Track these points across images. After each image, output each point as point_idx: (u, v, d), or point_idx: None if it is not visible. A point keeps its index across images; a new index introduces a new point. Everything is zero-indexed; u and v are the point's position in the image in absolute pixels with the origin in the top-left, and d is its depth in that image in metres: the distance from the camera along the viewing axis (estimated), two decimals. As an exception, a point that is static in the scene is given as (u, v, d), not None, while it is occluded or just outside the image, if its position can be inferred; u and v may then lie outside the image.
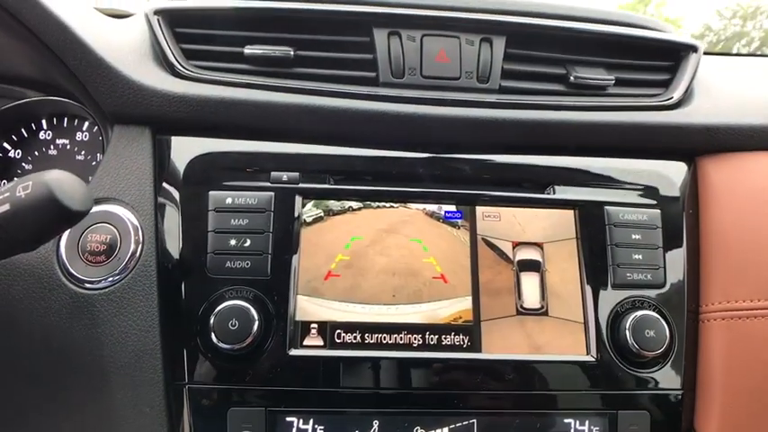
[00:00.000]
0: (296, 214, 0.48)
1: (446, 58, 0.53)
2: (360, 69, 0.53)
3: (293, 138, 0.51)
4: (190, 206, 0.49)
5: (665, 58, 0.57)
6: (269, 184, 0.49)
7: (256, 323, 0.44)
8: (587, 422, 0.46)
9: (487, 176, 0.52)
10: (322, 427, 0.44)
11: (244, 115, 0.50)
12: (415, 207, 0.50)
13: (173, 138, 0.51)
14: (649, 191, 0.52)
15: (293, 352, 0.45)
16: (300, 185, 0.49)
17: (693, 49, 0.57)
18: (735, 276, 0.50)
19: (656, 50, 0.57)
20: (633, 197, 0.52)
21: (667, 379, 0.48)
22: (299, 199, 0.49)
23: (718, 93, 0.58)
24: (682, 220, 0.52)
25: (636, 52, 0.56)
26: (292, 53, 0.52)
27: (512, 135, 0.52)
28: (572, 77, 0.54)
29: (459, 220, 0.50)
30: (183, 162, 0.50)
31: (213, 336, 0.44)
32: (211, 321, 0.44)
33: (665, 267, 0.50)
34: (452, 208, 0.51)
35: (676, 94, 0.55)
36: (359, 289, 0.47)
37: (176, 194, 0.49)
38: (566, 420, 0.46)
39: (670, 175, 0.53)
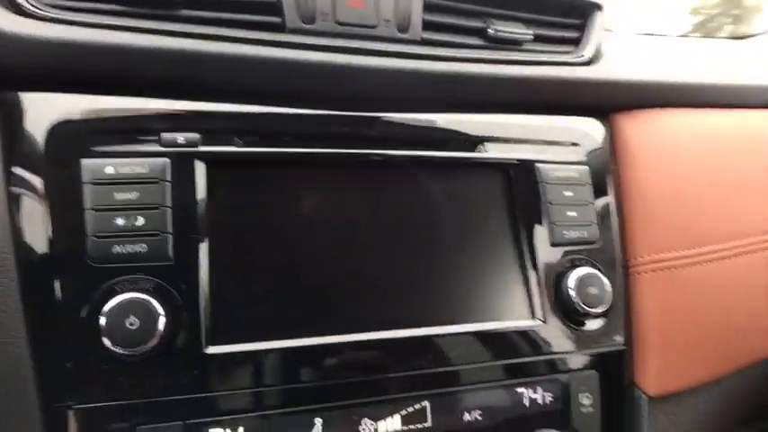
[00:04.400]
0: (200, 184, 0.40)
1: (361, 3, 0.47)
2: (262, 13, 0.45)
3: (186, 93, 0.42)
4: (57, 180, 0.38)
5: (574, 16, 0.56)
6: (161, 149, 0.40)
7: (162, 319, 0.35)
8: (540, 389, 0.44)
9: (412, 136, 0.47)
10: (253, 436, 0.37)
11: (118, 64, 0.40)
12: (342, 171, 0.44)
13: (26, 95, 0.39)
14: (576, 148, 0.51)
15: (211, 349, 0.37)
16: (202, 149, 0.41)
17: (598, 7, 0.57)
18: (657, 229, 0.51)
19: (566, 8, 0.56)
20: (562, 154, 0.50)
21: (610, 336, 0.47)
22: (200, 165, 0.40)
23: (631, 55, 0.59)
24: (607, 176, 0.52)
25: (548, 9, 0.55)
26: None
27: (434, 90, 0.48)
28: (491, 31, 0.51)
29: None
30: (42, 126, 0.38)
31: (106, 340, 0.34)
32: (102, 322, 0.34)
33: (598, 223, 0.49)
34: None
35: (587, 52, 0.54)
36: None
37: (36, 167, 0.38)
38: (518, 390, 0.43)
39: (593, 132, 0.53)
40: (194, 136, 0.41)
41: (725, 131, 0.58)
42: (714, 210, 0.53)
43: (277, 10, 0.45)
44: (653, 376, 0.47)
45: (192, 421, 0.36)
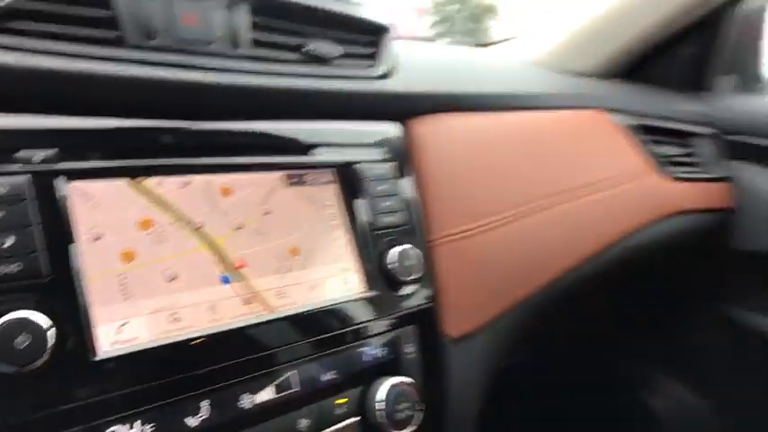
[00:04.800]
0: (65, 199, 0.40)
1: (193, 20, 0.51)
2: (98, 28, 0.46)
3: (40, 109, 0.42)
4: None
5: (369, 35, 0.67)
6: (21, 167, 0.39)
7: (51, 333, 0.36)
8: (376, 346, 0.55)
9: (256, 143, 0.53)
10: (151, 426, 0.40)
11: None
12: (193, 177, 0.48)
13: None
14: (383, 149, 0.63)
15: (99, 356, 0.39)
16: (62, 165, 0.41)
17: (386, 29, 0.68)
18: (445, 210, 0.65)
19: (363, 28, 0.66)
20: (374, 155, 0.61)
21: (422, 297, 0.60)
22: (63, 181, 0.41)
23: (418, 67, 0.72)
24: (409, 170, 0.64)
25: (351, 29, 0.65)
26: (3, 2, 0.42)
27: (263, 100, 0.55)
28: (307, 49, 0.59)
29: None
30: None
31: None
32: None
33: (406, 209, 0.61)
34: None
35: (381, 68, 0.65)
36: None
37: None
38: (360, 350, 0.53)
39: (394, 134, 0.65)
40: (53, 152, 0.41)
41: (498, 128, 0.76)
42: (490, 187, 0.70)
43: (116, 25, 0.47)
44: (452, 323, 0.62)
45: (90, 424, 0.38)
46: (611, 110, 0.96)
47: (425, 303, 0.60)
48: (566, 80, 1.03)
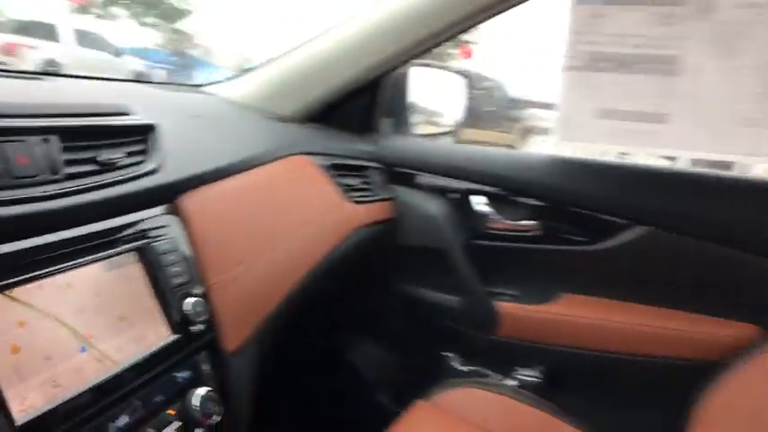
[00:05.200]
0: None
1: (25, 160, 0.66)
2: None
3: None
4: None
5: (139, 136, 0.87)
6: None
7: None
8: (186, 370, 0.79)
9: (71, 248, 0.69)
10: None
11: None
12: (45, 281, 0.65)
13: None
14: (168, 227, 0.84)
15: (18, 423, 0.56)
16: None
17: (151, 128, 0.89)
18: (215, 262, 0.90)
19: (133, 131, 0.86)
20: (162, 233, 0.83)
21: (209, 329, 0.85)
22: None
23: (182, 150, 0.94)
24: (186, 237, 0.87)
25: (126, 134, 0.84)
26: None
27: (78, 214, 0.72)
28: (101, 159, 0.77)
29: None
30: None
31: None
32: None
33: (190, 268, 0.84)
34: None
35: (152, 164, 0.86)
36: None
37: None
38: (176, 375, 0.77)
39: (172, 213, 0.87)
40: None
41: (239, 189, 1.02)
42: (242, 238, 0.97)
43: None
44: (228, 341, 0.88)
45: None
46: (311, 153, 1.32)
47: (210, 333, 0.86)
48: (276, 127, 1.34)
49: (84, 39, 13.82)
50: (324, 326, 1.62)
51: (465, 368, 1.49)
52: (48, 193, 0.68)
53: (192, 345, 0.81)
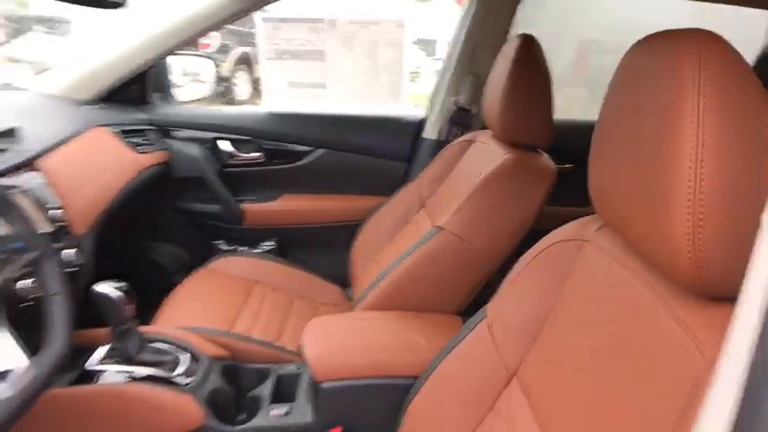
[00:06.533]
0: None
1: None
2: None
3: None
4: None
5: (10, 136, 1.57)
6: None
7: None
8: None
9: None
10: None
11: None
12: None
13: None
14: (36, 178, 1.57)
15: None
16: None
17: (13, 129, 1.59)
18: (66, 189, 1.65)
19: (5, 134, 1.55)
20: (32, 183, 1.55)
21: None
22: None
23: (29, 139, 1.64)
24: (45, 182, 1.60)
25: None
26: None
27: None
28: None
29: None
30: None
31: None
32: None
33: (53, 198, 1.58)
34: None
35: (17, 148, 1.58)
36: None
37: None
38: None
39: None
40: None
41: (74, 151, 1.75)
42: (78, 175, 1.72)
43: None
44: (78, 229, 1.64)
45: None
46: (106, 125, 2.04)
47: (68, 226, 1.61)
48: (80, 110, 1.91)
49: None
50: (131, 235, 2.29)
51: (228, 248, 2.39)
52: None
53: (61, 232, 1.55)
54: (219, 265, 1.98)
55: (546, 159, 1.48)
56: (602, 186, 0.79)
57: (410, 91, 2.38)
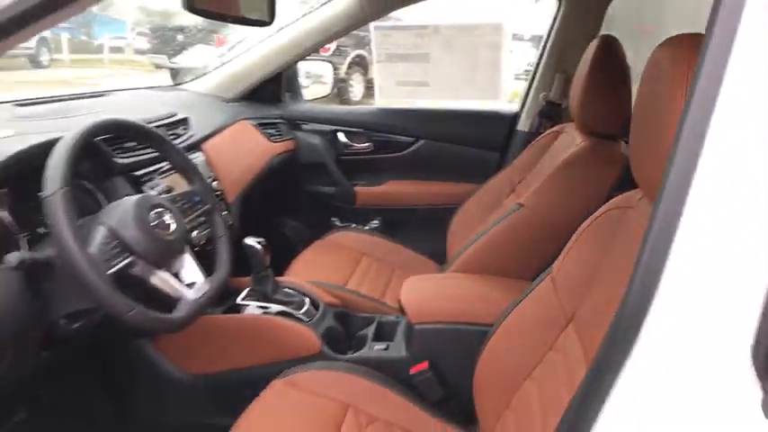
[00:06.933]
0: None
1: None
2: None
3: None
4: None
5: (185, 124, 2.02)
6: None
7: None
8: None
9: None
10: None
11: None
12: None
13: None
14: (200, 157, 2.01)
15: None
16: None
17: (187, 118, 2.04)
18: (220, 168, 2.08)
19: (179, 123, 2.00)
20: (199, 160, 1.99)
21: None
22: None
23: (195, 127, 2.10)
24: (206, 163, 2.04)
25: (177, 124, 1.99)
26: None
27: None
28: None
29: None
30: None
31: None
32: None
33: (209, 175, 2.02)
34: None
35: (191, 133, 2.02)
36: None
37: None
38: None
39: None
40: None
41: (224, 138, 2.20)
42: (228, 159, 2.15)
43: None
44: (229, 196, 2.07)
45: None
46: (247, 118, 2.42)
47: (221, 193, 2.04)
48: (228, 106, 2.35)
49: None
50: (266, 211, 2.57)
51: (342, 225, 2.76)
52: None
53: (213, 193, 1.94)
54: (335, 238, 2.29)
55: (619, 147, 1.67)
56: (640, 161, 0.94)
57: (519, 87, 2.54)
